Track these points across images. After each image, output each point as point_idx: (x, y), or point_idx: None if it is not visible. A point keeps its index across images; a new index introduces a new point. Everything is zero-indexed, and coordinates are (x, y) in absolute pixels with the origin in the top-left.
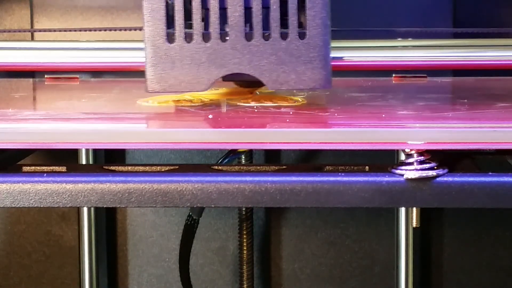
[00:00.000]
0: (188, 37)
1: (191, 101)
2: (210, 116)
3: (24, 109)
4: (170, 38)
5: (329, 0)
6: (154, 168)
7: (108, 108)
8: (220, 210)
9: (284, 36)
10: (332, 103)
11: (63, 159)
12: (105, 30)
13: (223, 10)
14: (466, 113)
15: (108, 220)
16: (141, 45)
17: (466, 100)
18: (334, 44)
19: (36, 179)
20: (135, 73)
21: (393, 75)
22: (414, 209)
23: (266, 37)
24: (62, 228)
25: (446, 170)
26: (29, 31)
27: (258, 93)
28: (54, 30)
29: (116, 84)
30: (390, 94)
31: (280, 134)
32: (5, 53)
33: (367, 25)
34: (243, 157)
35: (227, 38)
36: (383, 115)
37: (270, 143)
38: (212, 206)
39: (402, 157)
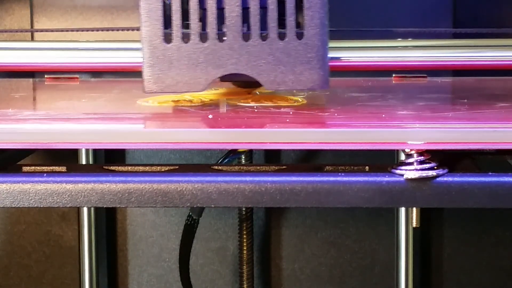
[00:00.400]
0: (186, 37)
1: (191, 101)
2: (210, 116)
3: (24, 109)
4: (167, 38)
5: (326, 0)
6: (154, 168)
7: (108, 108)
8: (220, 210)
9: (281, 36)
10: (332, 103)
11: (63, 159)
12: (105, 30)
13: (220, 10)
14: (466, 113)
15: (108, 220)
16: (140, 45)
17: (466, 100)
18: (333, 44)
19: (36, 179)
20: (135, 73)
21: (393, 75)
22: (414, 209)
23: (263, 37)
24: (62, 228)
25: (446, 170)
26: (29, 31)
27: (258, 93)
28: (54, 30)
29: (116, 84)
30: (390, 94)
31: (280, 134)
32: (5, 53)
33: (368, 25)
34: (243, 157)
35: (225, 38)
36: (383, 115)
37: (270, 143)
38: (212, 206)
39: (402, 157)
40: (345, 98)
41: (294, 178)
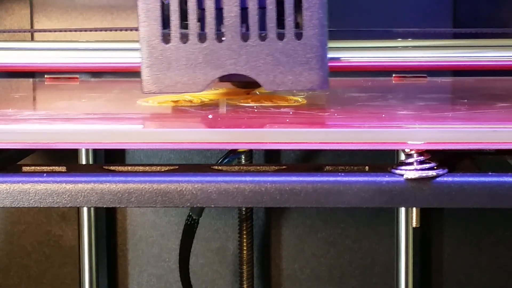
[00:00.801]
0: (184, 38)
1: (191, 101)
2: (210, 116)
3: (24, 109)
4: (165, 38)
5: (326, 0)
6: (154, 168)
7: (108, 108)
8: (220, 210)
9: (280, 37)
10: (332, 103)
11: (63, 159)
12: (105, 30)
13: (219, 10)
14: (466, 113)
15: (108, 220)
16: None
17: (466, 100)
18: (333, 44)
19: (36, 179)
20: (135, 73)
21: (393, 75)
22: (414, 209)
23: (262, 38)
24: (62, 228)
25: (446, 170)
26: (29, 31)
27: (258, 93)
28: (54, 30)
29: (116, 84)
30: (390, 94)
31: (280, 134)
32: (5, 53)
33: (368, 25)
34: (243, 157)
35: (223, 38)
36: (383, 115)
37: (270, 143)
38: (212, 206)
39: (402, 157)
40: (345, 98)
41: (294, 178)
